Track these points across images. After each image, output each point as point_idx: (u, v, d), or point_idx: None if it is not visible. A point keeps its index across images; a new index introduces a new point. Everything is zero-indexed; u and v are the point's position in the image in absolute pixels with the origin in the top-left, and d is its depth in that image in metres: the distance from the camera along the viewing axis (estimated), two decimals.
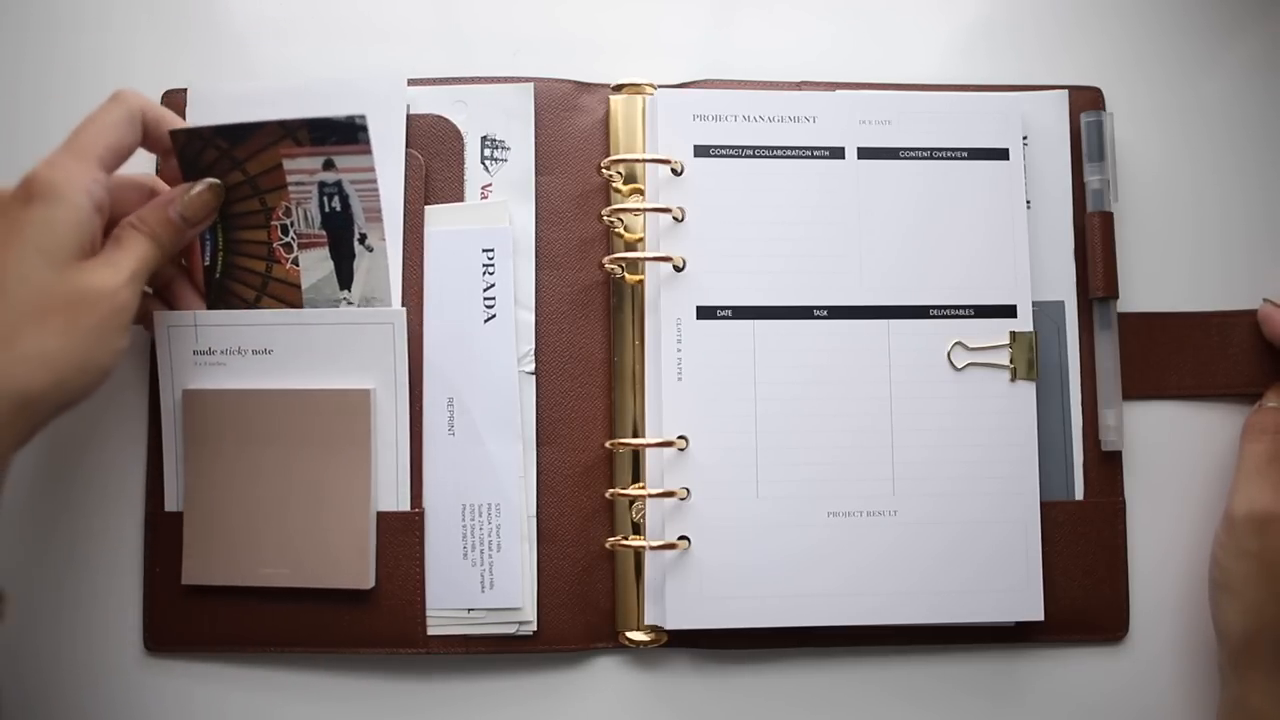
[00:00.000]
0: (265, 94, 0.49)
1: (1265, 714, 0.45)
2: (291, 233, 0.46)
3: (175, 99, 0.49)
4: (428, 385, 0.48)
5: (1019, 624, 0.49)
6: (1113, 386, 0.50)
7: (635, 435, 0.49)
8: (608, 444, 0.49)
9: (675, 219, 0.49)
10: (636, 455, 0.49)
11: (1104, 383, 0.51)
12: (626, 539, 0.48)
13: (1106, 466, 0.51)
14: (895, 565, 0.48)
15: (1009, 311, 0.49)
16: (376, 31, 0.52)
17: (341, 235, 0.47)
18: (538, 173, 0.50)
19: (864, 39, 0.53)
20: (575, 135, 0.51)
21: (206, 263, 0.47)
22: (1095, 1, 0.54)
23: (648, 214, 0.49)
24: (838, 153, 0.50)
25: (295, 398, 0.47)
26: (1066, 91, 0.52)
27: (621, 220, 0.50)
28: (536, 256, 0.50)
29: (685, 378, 0.48)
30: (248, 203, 0.46)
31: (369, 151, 0.45)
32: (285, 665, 0.48)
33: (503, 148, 0.50)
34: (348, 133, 0.44)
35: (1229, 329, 0.52)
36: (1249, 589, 0.46)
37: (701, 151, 0.49)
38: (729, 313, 0.49)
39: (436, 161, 0.50)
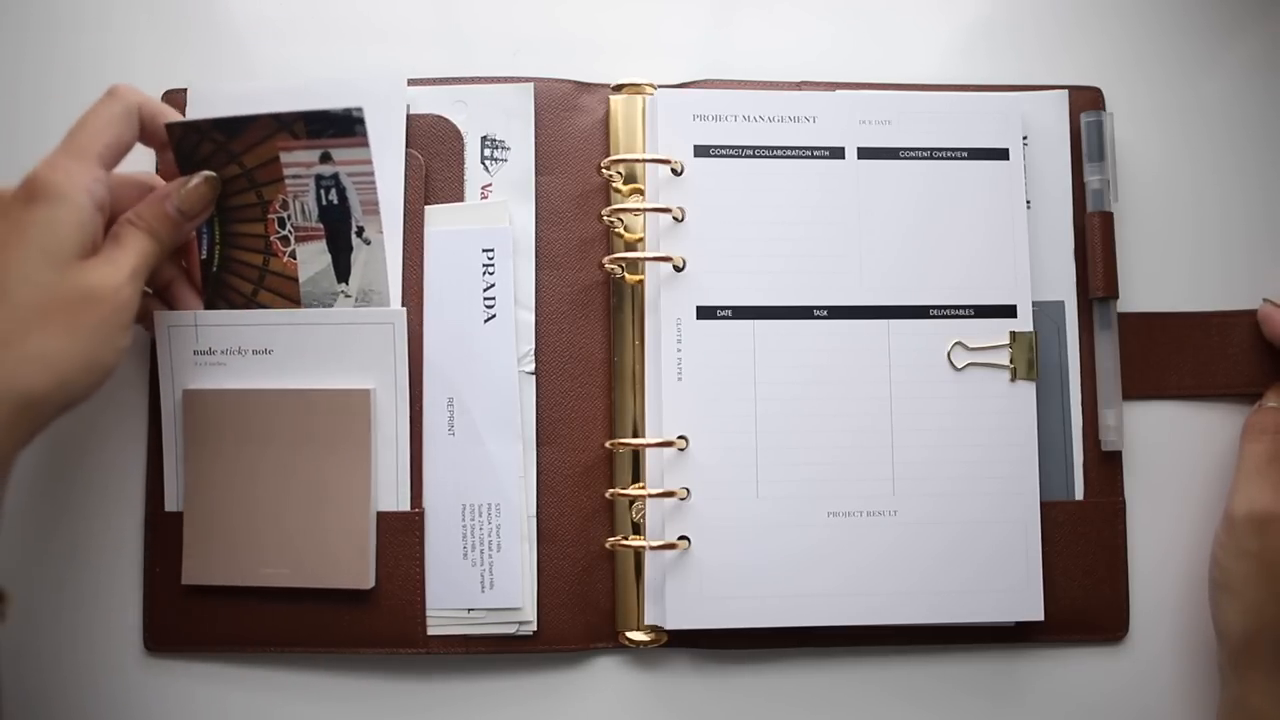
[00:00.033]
0: (265, 94, 0.48)
1: (1265, 714, 0.45)
2: (288, 226, 0.46)
3: (175, 99, 0.49)
4: (428, 385, 0.48)
5: (1019, 624, 0.49)
6: (1113, 386, 0.50)
7: (635, 435, 0.49)
8: (608, 444, 0.49)
9: (675, 219, 0.49)
10: (636, 455, 0.49)
11: (1104, 383, 0.51)
12: (626, 539, 0.48)
13: (1106, 466, 0.51)
14: (895, 565, 0.48)
15: (1009, 311, 0.49)
16: (376, 31, 0.52)
17: (339, 228, 0.46)
18: (538, 173, 0.50)
19: (864, 39, 0.53)
20: (575, 135, 0.51)
21: (203, 256, 0.47)
22: (1095, 1, 0.54)
23: (648, 214, 0.49)
24: (838, 153, 0.50)
25: (295, 398, 0.47)
26: (1066, 91, 0.52)
27: (621, 220, 0.50)
28: (536, 256, 0.50)
29: (685, 378, 0.48)
30: (244, 196, 0.46)
31: (366, 144, 0.44)
32: (285, 665, 0.48)
33: (503, 148, 0.50)
34: (344, 125, 0.44)
35: (1229, 329, 0.52)
36: (1249, 589, 0.46)
37: (701, 151, 0.49)
38: (729, 313, 0.49)
39: (436, 161, 0.50)
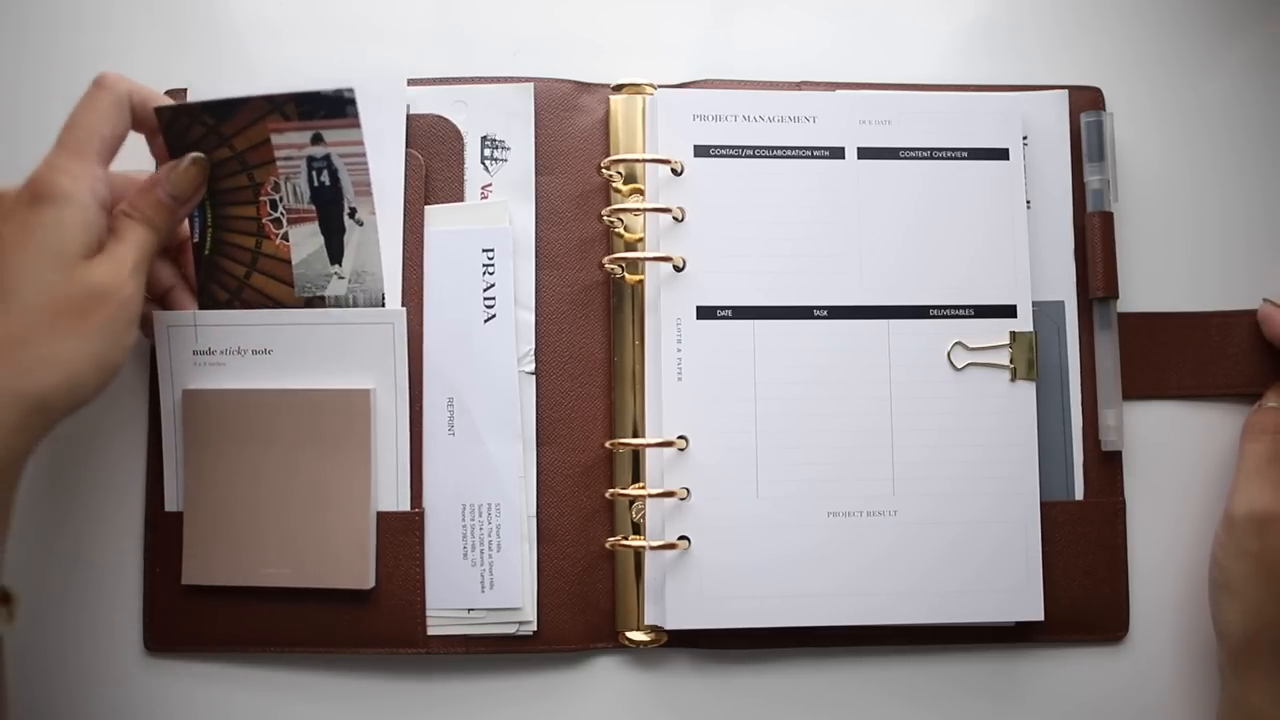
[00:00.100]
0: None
1: (1265, 714, 0.45)
2: (281, 208, 0.46)
3: (175, 98, 0.49)
4: (428, 385, 0.48)
5: (1019, 624, 0.49)
6: (1113, 386, 0.50)
7: (635, 435, 0.49)
8: (608, 444, 0.49)
9: (675, 219, 0.49)
10: (636, 455, 0.49)
11: (1104, 383, 0.51)
12: (626, 539, 0.48)
13: (1106, 466, 0.51)
14: (895, 565, 0.48)
15: (1009, 311, 0.49)
16: (376, 31, 0.52)
17: (331, 210, 0.46)
18: (538, 173, 0.50)
19: (864, 39, 0.53)
20: (575, 135, 0.51)
21: (195, 239, 0.47)
22: (1095, 1, 0.54)
23: (648, 214, 0.49)
24: (838, 153, 0.50)
25: (295, 398, 0.47)
26: (1066, 91, 0.52)
27: (621, 220, 0.50)
28: (536, 256, 0.50)
29: (685, 378, 0.48)
30: (236, 179, 0.45)
31: (358, 125, 0.44)
32: (285, 665, 0.48)
33: (503, 148, 0.50)
34: (336, 106, 0.44)
35: (1229, 329, 0.52)
36: (1249, 589, 0.46)
37: (701, 151, 0.49)
38: (729, 313, 0.49)
39: (436, 161, 0.50)
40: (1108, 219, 0.51)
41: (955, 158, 0.50)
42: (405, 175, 0.49)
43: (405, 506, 0.47)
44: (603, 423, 0.50)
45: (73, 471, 0.49)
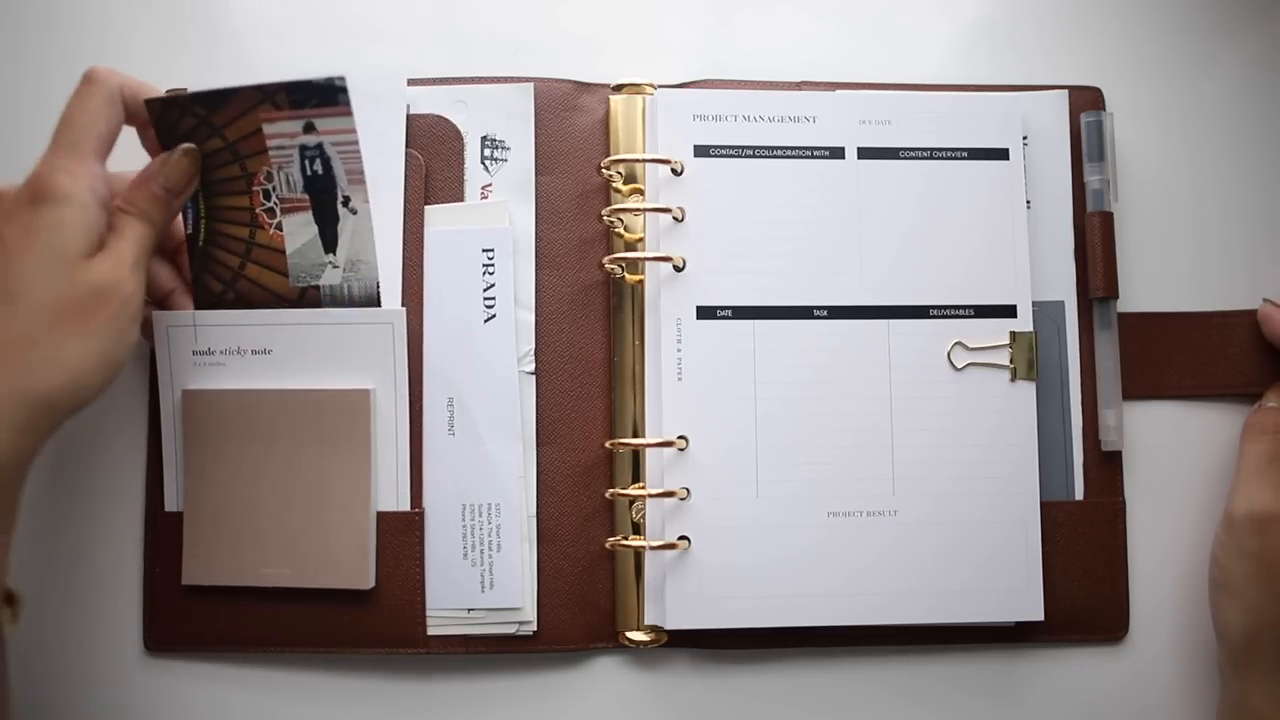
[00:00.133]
0: None
1: (1265, 714, 0.45)
2: (274, 198, 0.46)
3: None
4: (428, 385, 0.48)
5: (1019, 624, 0.49)
6: (1113, 386, 0.50)
7: (635, 435, 0.49)
8: (608, 444, 0.49)
9: (675, 219, 0.49)
10: (636, 455, 0.49)
11: (1104, 383, 0.51)
12: (626, 539, 0.48)
13: (1106, 466, 0.51)
14: (895, 565, 0.48)
15: (1009, 311, 0.49)
16: (376, 31, 0.52)
17: (324, 198, 0.46)
18: (538, 173, 0.50)
19: (864, 39, 0.53)
20: (575, 135, 0.51)
21: (189, 231, 0.47)
22: (1095, 1, 0.54)
23: (648, 214, 0.49)
24: (838, 153, 0.50)
25: (295, 398, 0.47)
26: (1066, 91, 0.52)
27: (621, 220, 0.50)
28: (536, 256, 0.50)
29: (685, 378, 0.48)
30: (228, 169, 0.45)
31: (349, 113, 0.44)
32: (285, 665, 0.48)
33: (503, 148, 0.50)
34: (327, 95, 0.43)
35: (1229, 329, 0.52)
36: (1249, 589, 0.46)
37: (701, 151, 0.49)
38: (729, 313, 0.49)
39: (436, 161, 0.50)
40: (1108, 219, 0.51)
41: (955, 158, 0.50)
42: (405, 175, 0.49)
43: (405, 506, 0.47)
44: (603, 423, 0.50)
45: (73, 472, 0.49)
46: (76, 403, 0.39)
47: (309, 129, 0.44)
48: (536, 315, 0.50)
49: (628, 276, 0.50)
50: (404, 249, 0.48)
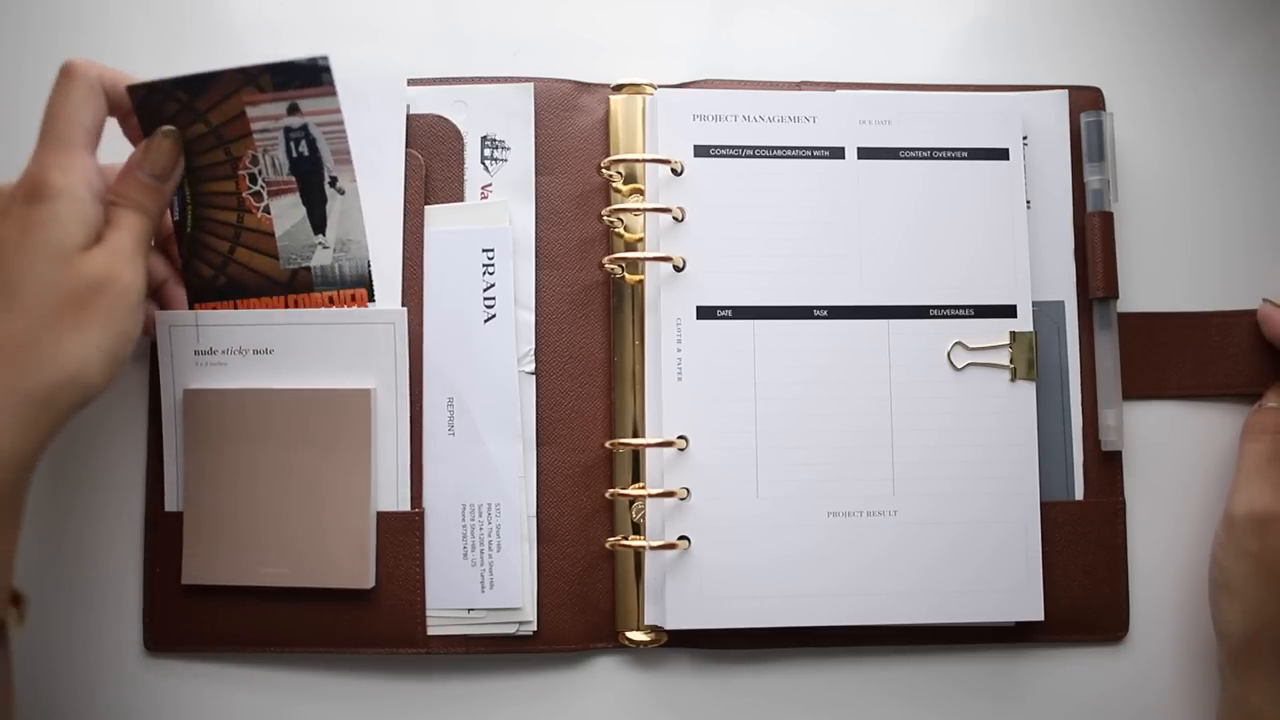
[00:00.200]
0: None
1: (1265, 714, 0.45)
2: (260, 181, 0.46)
3: None
4: (428, 385, 0.48)
5: (1019, 624, 0.49)
6: (1113, 386, 0.50)
7: (635, 435, 0.49)
8: (608, 444, 0.49)
9: (675, 219, 0.49)
10: (636, 455, 0.49)
11: (1104, 383, 0.51)
12: (626, 539, 0.48)
13: (1106, 466, 0.51)
14: (895, 565, 0.48)
15: (1009, 311, 0.49)
16: (376, 31, 0.52)
17: (311, 180, 0.46)
18: (538, 173, 0.50)
19: (864, 39, 0.53)
20: (575, 135, 0.51)
21: (176, 218, 0.46)
22: (1095, 1, 0.54)
23: (648, 214, 0.49)
24: (838, 153, 0.50)
25: (295, 397, 0.47)
26: (1066, 91, 0.52)
27: (621, 220, 0.50)
28: (536, 256, 0.50)
29: (685, 378, 0.48)
30: (213, 154, 0.45)
31: (334, 93, 0.43)
32: (285, 665, 0.48)
33: (503, 148, 0.50)
34: (310, 75, 0.43)
35: (1229, 329, 0.52)
36: (1249, 589, 0.46)
37: (701, 151, 0.49)
38: (729, 313, 0.49)
39: (436, 161, 0.50)
40: (1108, 219, 0.51)
41: (955, 158, 0.50)
42: (405, 175, 0.49)
43: (405, 506, 0.47)
44: (603, 423, 0.50)
45: (73, 471, 0.49)
46: (79, 399, 0.39)
47: (293, 110, 0.44)
48: (536, 315, 0.50)
49: (628, 276, 0.50)
50: (404, 249, 0.48)
